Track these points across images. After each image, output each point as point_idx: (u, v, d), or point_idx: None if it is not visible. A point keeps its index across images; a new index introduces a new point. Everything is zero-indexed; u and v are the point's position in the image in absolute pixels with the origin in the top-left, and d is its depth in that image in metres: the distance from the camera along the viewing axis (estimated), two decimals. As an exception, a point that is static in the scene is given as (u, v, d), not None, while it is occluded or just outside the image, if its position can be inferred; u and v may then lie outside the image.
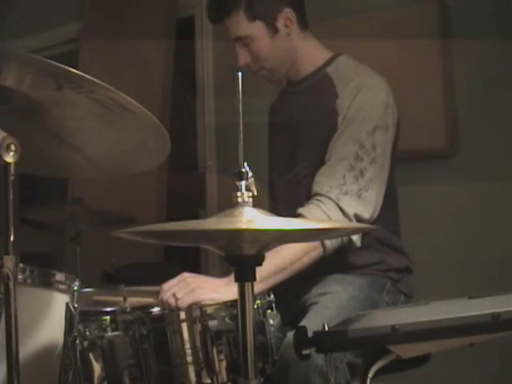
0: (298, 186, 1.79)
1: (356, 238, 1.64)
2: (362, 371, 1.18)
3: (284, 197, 1.86)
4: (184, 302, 1.42)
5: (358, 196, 1.63)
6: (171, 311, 1.38)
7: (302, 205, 1.66)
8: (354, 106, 1.70)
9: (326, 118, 1.74)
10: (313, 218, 1.59)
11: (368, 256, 1.73)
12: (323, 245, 1.60)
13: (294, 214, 1.63)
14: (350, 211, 1.61)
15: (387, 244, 1.77)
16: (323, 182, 1.66)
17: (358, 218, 1.63)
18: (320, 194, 1.64)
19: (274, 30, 1.76)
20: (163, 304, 1.44)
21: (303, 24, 1.83)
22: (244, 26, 1.75)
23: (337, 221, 1.59)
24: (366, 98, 1.71)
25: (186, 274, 1.52)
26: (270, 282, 1.53)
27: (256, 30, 1.75)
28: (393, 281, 1.75)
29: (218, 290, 1.47)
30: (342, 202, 1.61)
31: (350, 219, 1.61)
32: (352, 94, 1.72)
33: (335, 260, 1.66)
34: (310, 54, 1.85)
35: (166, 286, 1.48)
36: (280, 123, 1.96)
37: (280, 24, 1.77)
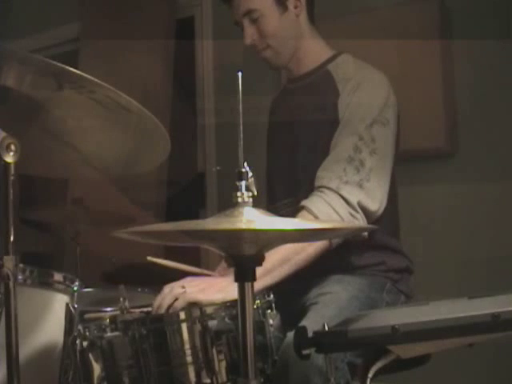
0: (298, 186, 1.79)
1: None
2: (362, 371, 1.19)
3: (283, 197, 1.86)
4: (188, 299, 1.40)
5: (359, 186, 1.62)
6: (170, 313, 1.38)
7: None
8: (353, 103, 1.71)
9: (327, 117, 1.74)
10: (317, 209, 1.59)
11: (368, 257, 1.73)
12: None
13: (294, 212, 1.62)
14: (353, 200, 1.60)
15: (387, 245, 1.77)
16: (324, 175, 1.66)
17: (364, 208, 1.62)
18: (320, 186, 1.64)
19: (283, 7, 1.77)
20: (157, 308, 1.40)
21: (311, 18, 1.84)
22: None
23: (342, 211, 1.59)
24: (363, 94, 1.71)
25: (190, 278, 1.50)
26: (276, 276, 1.52)
27: (266, 3, 1.76)
28: (393, 281, 1.74)
29: (223, 289, 1.44)
30: (344, 191, 1.60)
31: (354, 208, 1.60)
32: (352, 91, 1.72)
33: (335, 260, 1.66)
34: (313, 48, 1.85)
35: (167, 287, 1.45)
36: (279, 121, 1.96)
37: (290, 4, 1.78)
